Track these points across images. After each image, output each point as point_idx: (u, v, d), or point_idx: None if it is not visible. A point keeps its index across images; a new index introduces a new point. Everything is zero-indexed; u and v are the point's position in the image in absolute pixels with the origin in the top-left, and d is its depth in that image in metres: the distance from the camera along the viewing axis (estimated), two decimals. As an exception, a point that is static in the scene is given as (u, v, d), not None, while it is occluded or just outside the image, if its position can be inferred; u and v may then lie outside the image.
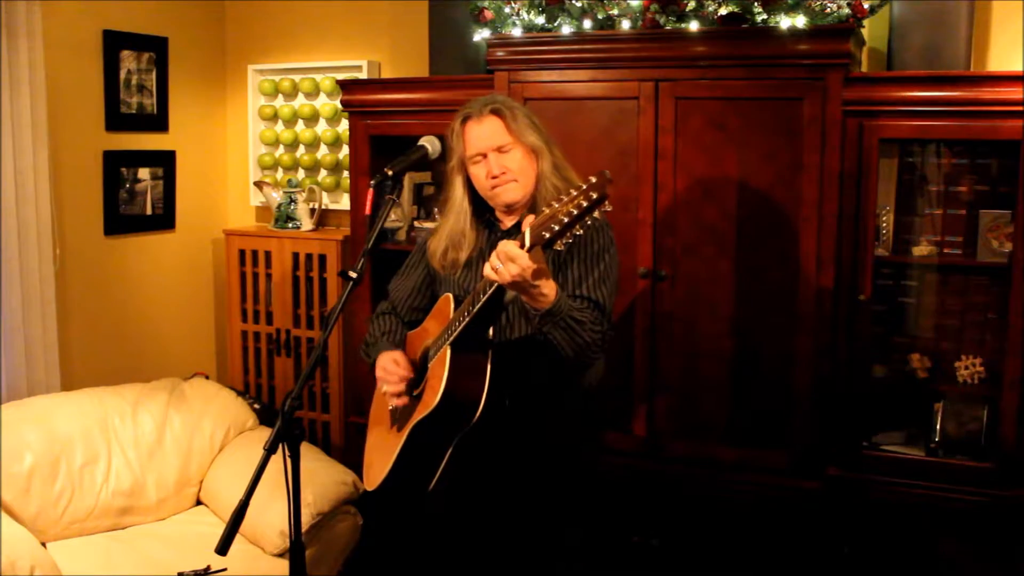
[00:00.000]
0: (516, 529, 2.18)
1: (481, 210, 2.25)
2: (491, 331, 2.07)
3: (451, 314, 2.09)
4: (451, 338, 2.03)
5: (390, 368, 2.19)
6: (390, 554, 2.31)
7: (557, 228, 1.75)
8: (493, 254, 1.85)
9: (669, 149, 2.96)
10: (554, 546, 2.22)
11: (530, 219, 1.83)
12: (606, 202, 1.74)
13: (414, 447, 2.12)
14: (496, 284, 1.88)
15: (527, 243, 1.81)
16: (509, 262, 1.81)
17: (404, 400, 2.17)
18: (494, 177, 2.14)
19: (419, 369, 2.20)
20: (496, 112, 2.16)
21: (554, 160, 2.19)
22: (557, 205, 1.77)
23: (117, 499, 3.07)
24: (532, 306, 1.93)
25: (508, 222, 2.23)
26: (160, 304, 4.11)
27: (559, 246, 1.79)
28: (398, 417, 2.23)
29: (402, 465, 2.16)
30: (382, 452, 2.25)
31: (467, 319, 1.99)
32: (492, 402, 2.00)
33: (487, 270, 1.87)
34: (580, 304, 2.06)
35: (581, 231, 1.77)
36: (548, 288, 1.91)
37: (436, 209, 2.28)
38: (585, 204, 1.73)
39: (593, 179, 1.74)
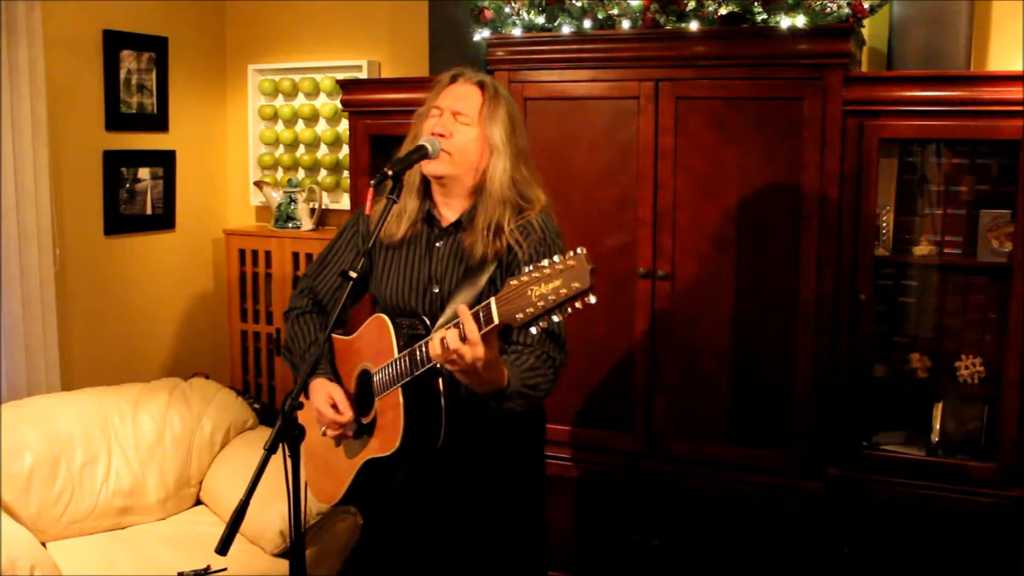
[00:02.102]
0: (480, 544, 2.12)
1: (427, 189, 2.11)
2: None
3: (392, 345, 1.95)
4: (403, 382, 1.92)
5: (328, 414, 2.03)
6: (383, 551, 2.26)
7: (532, 313, 1.60)
8: (450, 334, 1.69)
9: (669, 149, 2.96)
10: (527, 556, 2.17)
11: (464, 311, 1.69)
12: (590, 295, 1.56)
13: (367, 473, 2.05)
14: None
15: (495, 319, 1.66)
16: (466, 346, 1.67)
17: (348, 435, 2.07)
18: (434, 135, 2.00)
19: (362, 393, 2.07)
20: (481, 86, 2.06)
21: (513, 170, 2.02)
22: (526, 279, 1.61)
23: (117, 499, 3.07)
24: (479, 392, 1.81)
25: (448, 215, 2.09)
26: (160, 304, 4.11)
27: (535, 329, 1.64)
28: (343, 439, 2.14)
29: (356, 486, 2.09)
30: (332, 471, 2.16)
31: (417, 374, 1.88)
32: (452, 428, 1.94)
33: (435, 348, 1.72)
34: (530, 356, 1.92)
35: (560, 318, 1.60)
36: (497, 377, 1.78)
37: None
38: (565, 294, 1.56)
39: (572, 261, 1.57)
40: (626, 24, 2.97)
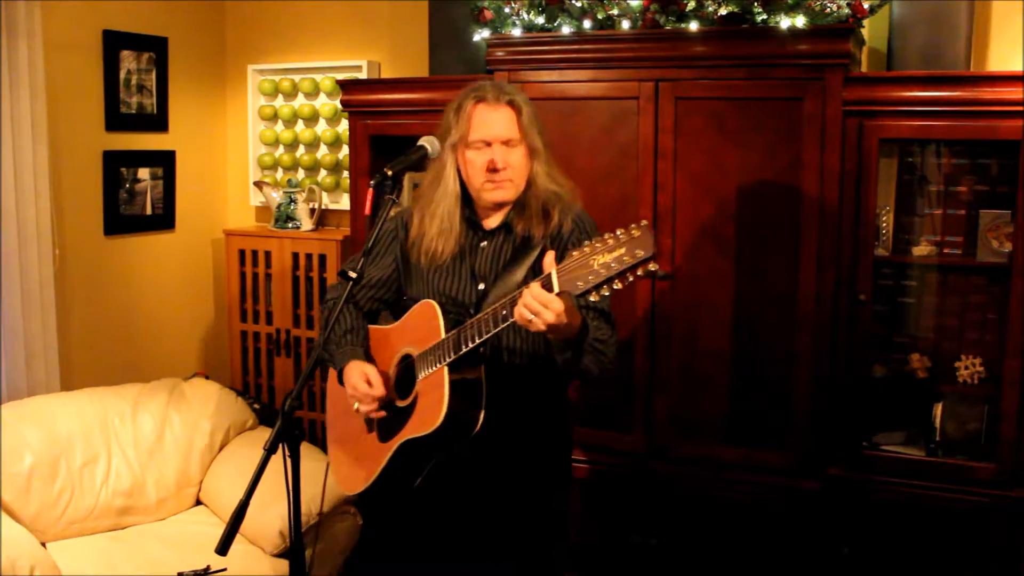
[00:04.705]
0: (505, 539, 2.12)
1: (464, 199, 2.14)
2: (483, 348, 1.96)
3: (440, 327, 1.97)
4: (451, 360, 1.94)
5: (362, 388, 2.07)
6: (385, 552, 2.25)
7: (594, 281, 1.63)
8: (521, 303, 1.74)
9: (669, 149, 2.96)
10: (544, 558, 2.17)
11: (549, 258, 1.74)
12: (651, 263, 1.60)
13: (401, 457, 2.07)
14: (510, 318, 1.79)
15: (555, 287, 1.69)
16: (545, 310, 1.71)
17: (381, 414, 2.09)
18: (494, 171, 2.04)
19: (402, 377, 2.10)
20: (512, 104, 2.08)
21: (548, 164, 2.11)
22: (588, 249, 1.65)
23: (117, 499, 3.07)
24: (557, 339, 1.85)
25: (491, 222, 2.14)
26: (160, 304, 4.11)
27: (594, 297, 1.67)
28: (377, 424, 2.15)
29: (387, 473, 2.10)
30: (362, 458, 2.17)
31: (473, 346, 1.89)
32: (487, 419, 1.95)
33: (519, 316, 1.75)
34: (592, 320, 1.96)
35: (620, 286, 1.64)
36: (576, 322, 1.82)
37: (415, 190, 2.15)
38: (628, 261, 1.60)
39: (636, 232, 1.61)
40: (626, 24, 2.97)
